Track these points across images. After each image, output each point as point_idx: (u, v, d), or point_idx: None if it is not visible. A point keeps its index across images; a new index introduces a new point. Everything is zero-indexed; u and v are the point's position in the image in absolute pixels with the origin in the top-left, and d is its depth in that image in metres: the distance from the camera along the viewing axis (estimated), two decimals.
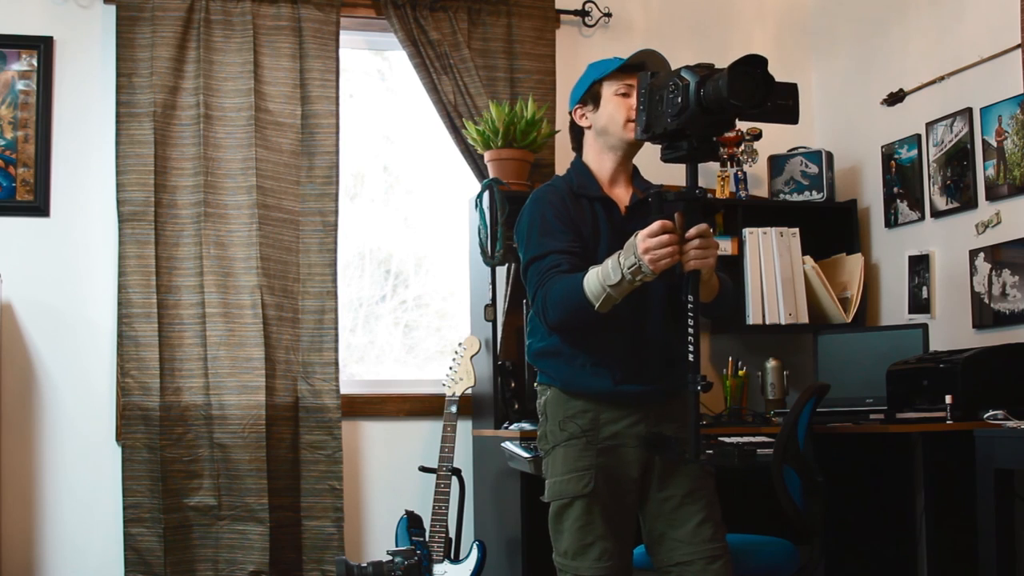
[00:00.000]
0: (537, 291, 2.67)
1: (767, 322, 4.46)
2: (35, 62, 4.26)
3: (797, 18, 5.08)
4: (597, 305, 2.54)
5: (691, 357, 2.43)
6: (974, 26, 4.07)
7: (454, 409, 4.14)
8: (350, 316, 4.69)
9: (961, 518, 3.57)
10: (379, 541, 4.38)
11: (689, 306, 2.44)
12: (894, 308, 4.49)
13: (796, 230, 4.51)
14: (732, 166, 4.63)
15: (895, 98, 4.45)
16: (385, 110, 4.79)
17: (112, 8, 4.28)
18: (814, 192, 4.64)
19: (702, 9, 4.95)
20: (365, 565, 3.70)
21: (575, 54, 4.68)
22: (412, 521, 4.03)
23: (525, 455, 3.50)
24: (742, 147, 4.66)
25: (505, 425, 4.06)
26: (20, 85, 4.26)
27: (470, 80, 4.46)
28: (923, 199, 4.32)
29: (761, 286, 4.46)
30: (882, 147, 4.54)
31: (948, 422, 3.63)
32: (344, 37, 4.49)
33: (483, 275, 4.34)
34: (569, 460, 2.70)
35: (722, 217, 4.60)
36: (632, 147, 2.79)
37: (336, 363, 4.31)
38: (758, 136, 4.66)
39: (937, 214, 4.24)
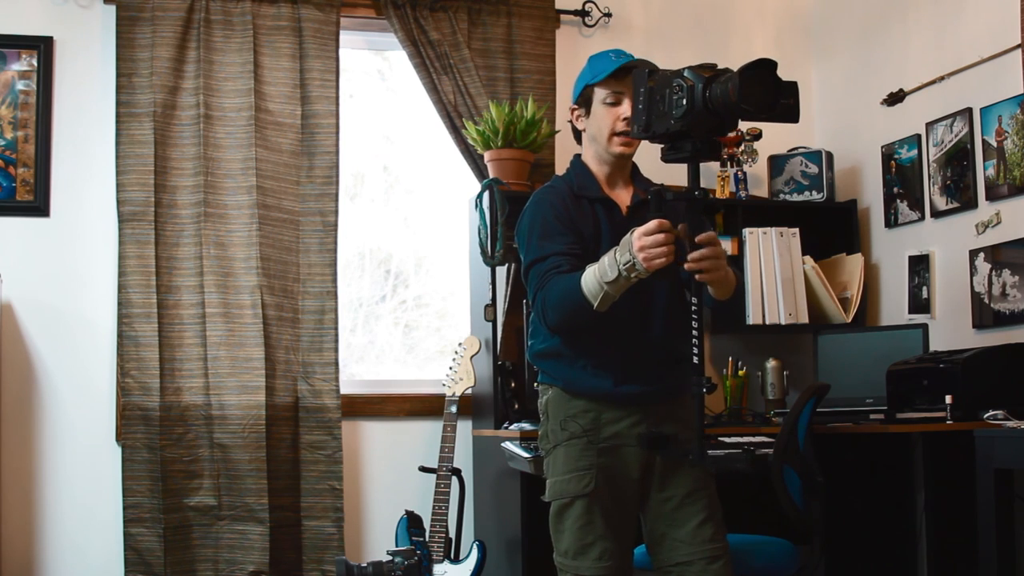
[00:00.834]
0: (537, 293, 2.67)
1: (767, 322, 4.46)
2: (35, 62, 4.27)
3: (797, 18, 5.08)
4: (596, 304, 2.53)
5: (695, 359, 2.42)
6: (974, 26, 4.07)
7: (454, 409, 4.14)
8: (350, 316, 4.69)
9: (961, 518, 3.57)
10: (379, 541, 4.38)
11: (693, 308, 2.43)
12: (894, 308, 4.49)
13: (796, 230, 4.51)
14: (732, 166, 4.64)
15: (895, 98, 4.45)
16: (385, 110, 4.79)
17: (112, 8, 4.28)
18: (814, 192, 4.64)
19: (702, 9, 4.95)
20: (365, 565, 3.70)
21: (575, 54, 4.68)
22: (412, 521, 4.03)
23: (525, 455, 3.50)
24: (742, 147, 4.66)
25: (505, 425, 4.06)
26: (20, 85, 4.26)
27: (470, 80, 4.46)
28: (923, 199, 4.32)
29: (761, 286, 4.46)
30: (882, 147, 4.54)
31: (948, 422, 3.63)
32: (344, 37, 4.49)
33: (483, 275, 4.34)
34: (570, 460, 2.71)
35: (722, 217, 4.60)
36: (622, 158, 2.78)
37: (336, 363, 4.31)
38: (758, 136, 4.66)
39: (937, 214, 4.24)
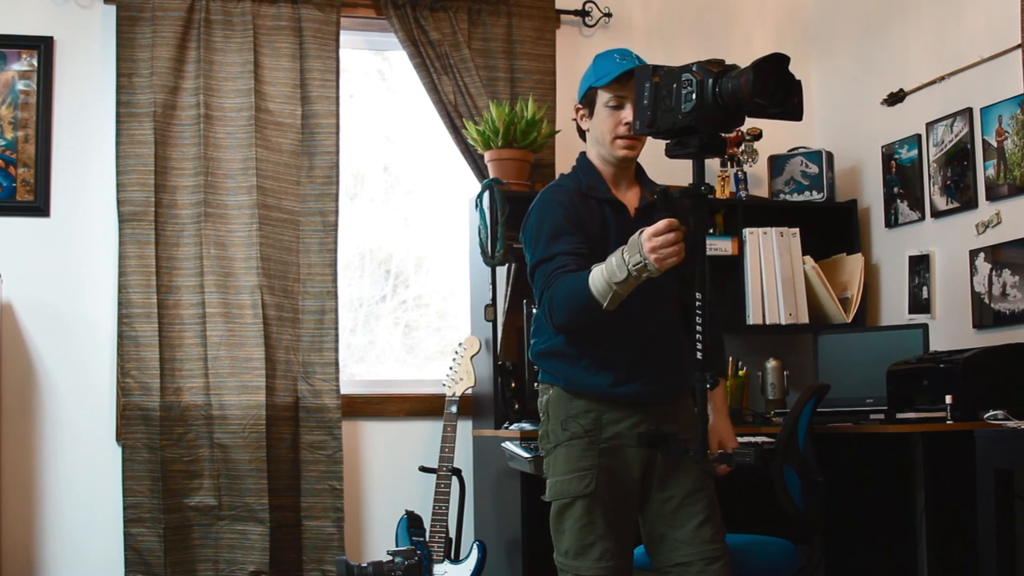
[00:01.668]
0: (544, 293, 2.67)
1: (767, 322, 4.46)
2: (35, 62, 4.26)
3: (797, 18, 5.08)
4: (605, 304, 2.52)
5: (699, 355, 2.41)
6: (974, 26, 4.07)
7: (454, 409, 4.14)
8: (350, 316, 4.69)
9: (961, 518, 3.58)
10: (379, 541, 4.38)
11: (697, 303, 2.42)
12: (894, 308, 4.49)
13: (796, 230, 4.51)
14: (732, 166, 4.64)
15: (895, 98, 4.45)
16: (385, 110, 4.79)
17: (112, 8, 4.28)
18: (814, 192, 4.64)
19: (702, 9, 4.95)
20: (365, 565, 3.70)
21: (575, 54, 4.68)
22: (412, 521, 4.03)
23: (525, 455, 3.50)
24: (742, 147, 4.66)
25: (505, 425, 4.06)
26: (20, 85, 4.26)
27: (470, 80, 4.46)
28: (923, 199, 4.32)
29: (761, 286, 4.46)
30: (882, 147, 4.54)
31: (948, 422, 3.63)
32: (344, 37, 4.49)
33: (483, 275, 4.34)
34: (571, 460, 2.71)
35: (722, 217, 4.60)
36: (625, 160, 2.78)
37: (336, 363, 4.31)
38: (758, 136, 4.66)
39: (937, 214, 4.24)
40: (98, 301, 4.27)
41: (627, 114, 2.71)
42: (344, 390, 4.36)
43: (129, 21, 4.25)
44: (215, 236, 4.24)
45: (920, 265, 4.31)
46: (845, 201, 4.69)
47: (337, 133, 4.40)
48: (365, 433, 4.49)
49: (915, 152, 4.36)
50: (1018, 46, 3.79)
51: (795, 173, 4.69)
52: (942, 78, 4.21)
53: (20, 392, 4.18)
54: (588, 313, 2.57)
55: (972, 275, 4.05)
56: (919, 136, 4.33)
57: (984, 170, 4.01)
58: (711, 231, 4.45)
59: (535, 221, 2.76)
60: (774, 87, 2.32)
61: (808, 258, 4.52)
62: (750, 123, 4.67)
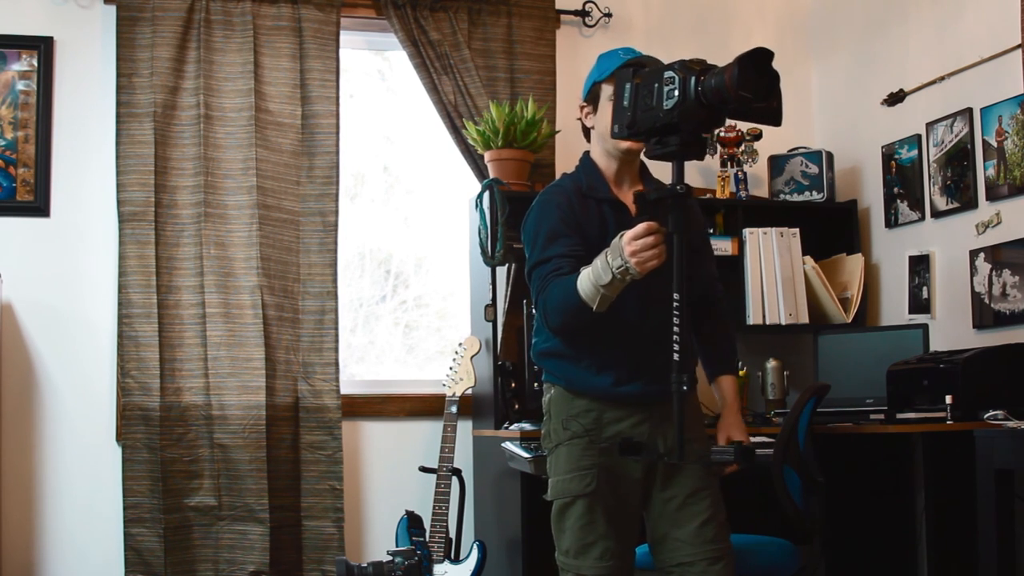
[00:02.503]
0: (539, 296, 2.68)
1: (767, 322, 4.46)
2: (35, 62, 4.26)
3: (797, 18, 5.08)
4: (594, 306, 2.54)
5: (675, 356, 2.40)
6: (974, 26, 4.07)
7: (454, 409, 4.14)
8: (350, 316, 4.69)
9: (961, 518, 3.57)
10: (379, 541, 4.38)
11: (675, 304, 2.41)
12: (894, 308, 4.49)
13: (796, 230, 4.51)
14: (732, 166, 4.63)
15: (895, 98, 4.45)
16: (385, 110, 4.79)
17: (112, 8, 4.28)
18: (814, 192, 4.64)
19: (702, 9, 4.95)
20: (365, 565, 3.70)
21: (575, 54, 4.68)
22: (412, 521, 4.03)
23: (525, 455, 3.50)
24: (742, 147, 4.66)
25: (505, 425, 4.05)
26: (20, 85, 4.26)
27: (470, 80, 4.46)
28: (923, 199, 4.32)
29: (761, 286, 4.46)
30: (882, 147, 4.54)
31: (948, 422, 3.63)
32: (344, 37, 4.49)
33: (483, 275, 4.34)
34: (572, 459, 2.71)
35: (722, 217, 4.60)
36: (630, 154, 2.78)
37: (336, 363, 4.31)
38: (758, 136, 4.66)
39: (937, 214, 4.24)
40: (98, 301, 4.27)
41: None
42: (344, 390, 4.36)
43: (129, 21, 4.25)
44: (215, 236, 4.24)
45: (920, 265, 4.31)
46: (845, 201, 4.69)
47: (337, 133, 4.40)
48: (365, 433, 4.49)
49: (915, 152, 4.36)
50: (1018, 46, 3.79)
51: (795, 173, 4.69)
52: (942, 78, 4.21)
53: (20, 392, 4.18)
54: (580, 315, 2.58)
55: (972, 275, 4.05)
56: (919, 136, 4.33)
57: (984, 170, 4.01)
58: (712, 231, 4.45)
59: (533, 223, 2.77)
60: (758, 81, 2.29)
61: (808, 258, 4.52)
62: (750, 123, 4.67)
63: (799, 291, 4.48)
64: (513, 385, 4.11)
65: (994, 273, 3.95)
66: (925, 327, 4.15)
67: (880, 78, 4.56)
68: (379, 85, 4.85)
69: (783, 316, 4.45)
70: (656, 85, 2.38)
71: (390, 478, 4.46)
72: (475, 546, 3.99)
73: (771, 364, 4.56)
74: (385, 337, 4.78)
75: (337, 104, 4.41)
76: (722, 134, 4.63)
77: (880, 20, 4.60)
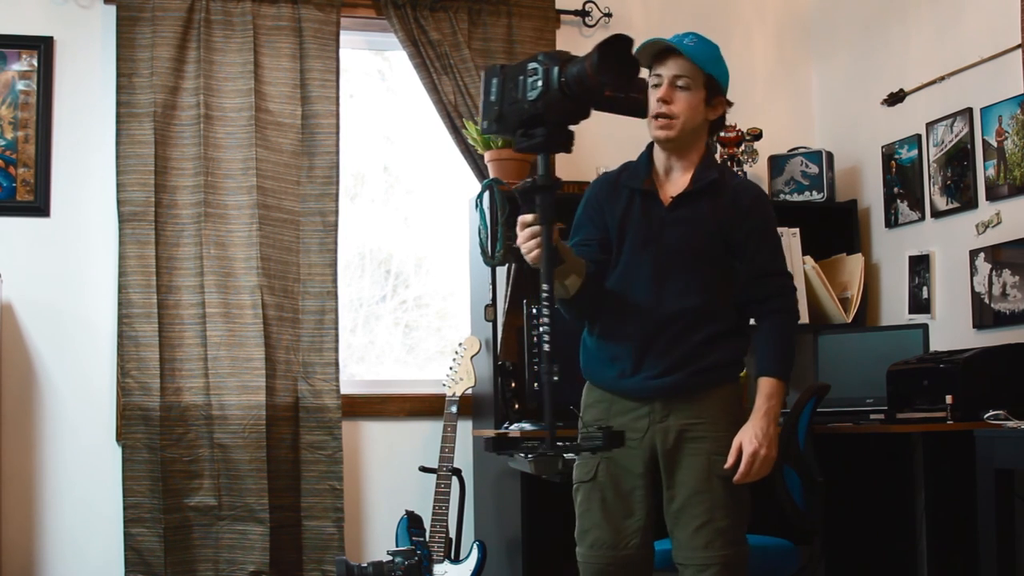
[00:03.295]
0: None
1: None
2: (35, 62, 4.26)
3: (797, 18, 5.08)
4: (560, 295, 2.67)
5: (546, 347, 2.41)
6: (974, 26, 4.07)
7: (454, 409, 4.14)
8: (350, 316, 4.69)
9: (961, 518, 3.57)
10: (379, 541, 4.38)
11: (543, 295, 2.42)
12: (894, 308, 4.49)
13: (796, 230, 4.51)
14: (732, 166, 4.63)
15: (895, 98, 4.45)
16: (385, 110, 4.79)
17: (112, 8, 4.28)
18: (814, 192, 4.64)
19: (702, 9, 4.95)
20: (365, 565, 3.70)
21: (575, 54, 4.67)
22: (412, 521, 4.03)
23: (526, 455, 3.49)
24: (742, 147, 4.66)
25: (505, 425, 4.05)
26: (20, 85, 4.26)
27: (470, 80, 4.46)
28: (923, 199, 4.32)
29: None
30: (882, 147, 4.54)
31: (948, 422, 3.62)
32: (344, 37, 4.49)
33: (483, 275, 4.34)
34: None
35: None
36: (660, 142, 2.76)
37: (336, 363, 4.31)
38: (758, 136, 4.66)
39: (937, 214, 4.24)
40: (98, 301, 4.27)
41: (662, 92, 2.71)
42: (344, 390, 4.36)
43: (129, 21, 4.25)
44: (215, 236, 4.24)
45: (920, 265, 4.31)
46: (845, 201, 4.69)
47: (337, 133, 4.40)
48: (365, 433, 4.49)
49: (915, 152, 4.36)
50: (1018, 46, 3.79)
51: (795, 173, 4.69)
52: (942, 78, 4.21)
53: (20, 392, 4.18)
54: (563, 304, 2.74)
55: (972, 275, 4.04)
56: (919, 136, 4.33)
57: (984, 170, 4.01)
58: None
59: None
60: (619, 69, 2.32)
61: (808, 258, 4.52)
62: (750, 123, 4.68)
63: (799, 291, 4.48)
64: (513, 385, 4.11)
65: (994, 273, 3.95)
66: (925, 327, 4.15)
67: (880, 78, 4.56)
68: (379, 85, 4.85)
69: None
70: (521, 77, 2.39)
71: (390, 478, 4.46)
72: (475, 546, 3.99)
73: None
74: (385, 337, 4.78)
75: (337, 104, 4.40)
76: (722, 134, 4.63)
77: (880, 20, 4.60)
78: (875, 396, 4.07)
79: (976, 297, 4.03)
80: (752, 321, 2.86)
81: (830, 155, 4.67)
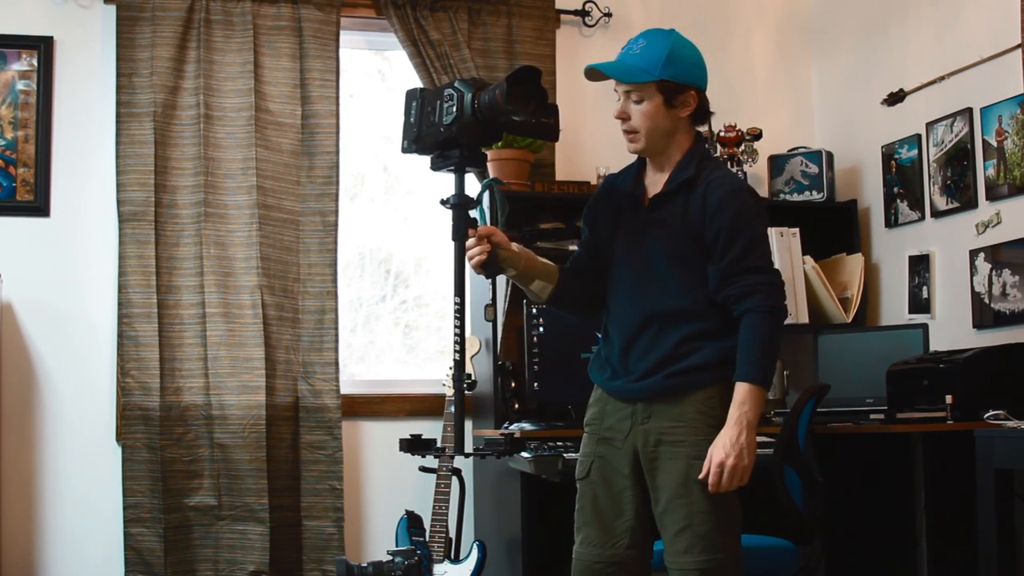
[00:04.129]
0: None
1: None
2: (35, 62, 4.26)
3: (797, 18, 5.07)
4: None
5: (456, 356, 2.59)
6: (974, 26, 4.07)
7: (454, 409, 4.13)
8: (350, 316, 4.69)
9: (961, 518, 3.57)
10: (379, 541, 4.38)
11: (455, 307, 2.60)
12: (894, 308, 4.49)
13: (796, 230, 4.51)
14: (732, 166, 4.63)
15: (895, 98, 4.45)
16: (385, 110, 4.79)
17: (112, 8, 4.28)
18: (814, 192, 4.64)
19: (702, 9, 4.95)
20: (365, 565, 3.70)
21: (575, 54, 4.67)
22: (412, 521, 4.03)
23: (525, 455, 3.50)
24: (742, 147, 4.66)
25: (505, 425, 4.05)
26: (20, 85, 4.26)
27: None
28: (923, 199, 4.31)
29: None
30: (882, 147, 4.54)
31: (948, 422, 3.62)
32: (344, 37, 4.49)
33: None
34: (581, 446, 2.84)
35: None
36: (639, 152, 2.76)
37: (336, 363, 4.31)
38: (758, 136, 4.66)
39: (937, 214, 4.24)
40: (98, 301, 4.27)
41: (618, 111, 2.73)
42: (344, 390, 4.36)
43: (129, 21, 4.25)
44: (215, 236, 4.24)
45: (920, 265, 4.31)
46: (845, 201, 4.69)
47: (337, 133, 4.40)
48: (365, 433, 4.49)
49: (915, 152, 4.35)
50: (1018, 46, 3.79)
51: (795, 173, 4.69)
52: (942, 78, 4.20)
53: (20, 392, 4.18)
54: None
55: (972, 275, 4.04)
56: (919, 136, 4.33)
57: (984, 170, 4.01)
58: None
59: None
60: (527, 97, 2.51)
61: (808, 258, 4.52)
62: (750, 123, 4.68)
63: (799, 291, 4.48)
64: (513, 385, 4.11)
65: (994, 273, 3.95)
66: (925, 327, 4.15)
67: (880, 78, 4.55)
68: (379, 85, 4.85)
69: None
70: (438, 102, 2.57)
71: (390, 478, 4.46)
72: (475, 546, 3.99)
73: None
74: (385, 337, 4.78)
75: (337, 104, 4.40)
76: (722, 134, 4.63)
77: (880, 20, 4.60)
78: (875, 396, 4.07)
79: (976, 297, 4.03)
80: None
81: (830, 155, 4.67)
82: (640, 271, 2.70)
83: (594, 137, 4.60)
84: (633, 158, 2.82)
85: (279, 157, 4.34)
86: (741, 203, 2.66)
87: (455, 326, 2.58)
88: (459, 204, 2.59)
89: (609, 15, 4.79)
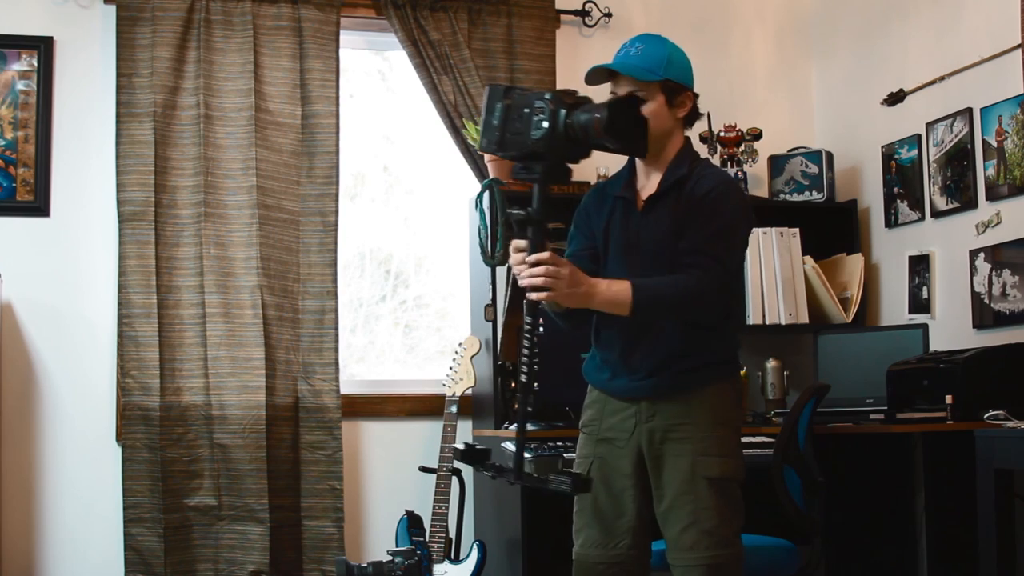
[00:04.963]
0: None
1: (767, 322, 4.46)
2: (35, 62, 4.26)
3: (797, 18, 5.08)
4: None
5: (523, 378, 2.44)
6: (974, 26, 4.07)
7: (454, 409, 4.14)
8: (350, 316, 4.69)
9: (961, 518, 3.57)
10: (379, 541, 4.38)
11: (526, 327, 2.47)
12: (894, 308, 4.49)
13: (796, 230, 4.51)
14: (732, 166, 4.63)
15: (895, 98, 4.45)
16: (385, 110, 4.79)
17: (112, 8, 4.28)
18: (814, 192, 4.64)
19: (702, 9, 4.95)
20: (365, 565, 3.70)
21: (575, 54, 4.68)
22: (412, 521, 4.03)
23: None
24: (742, 147, 4.66)
25: (505, 425, 4.06)
26: (20, 85, 4.26)
27: (470, 80, 4.46)
28: (923, 199, 4.32)
29: (761, 286, 4.46)
30: (882, 147, 4.54)
31: (948, 422, 3.63)
32: (344, 37, 4.49)
33: (483, 275, 4.34)
34: (579, 447, 2.84)
35: None
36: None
37: (336, 363, 4.31)
38: (758, 136, 4.66)
39: (937, 214, 4.24)
40: (98, 301, 4.27)
41: None
42: (344, 390, 4.36)
43: (129, 21, 4.25)
44: (215, 236, 4.24)
45: (920, 265, 4.31)
46: (845, 201, 4.69)
47: (337, 133, 4.40)
48: (365, 433, 4.49)
49: (915, 152, 4.36)
50: (1018, 46, 3.79)
51: (795, 173, 4.70)
52: (942, 78, 4.21)
53: (20, 392, 4.18)
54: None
55: (972, 275, 4.05)
56: (919, 136, 4.33)
57: (984, 170, 4.01)
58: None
59: None
60: (625, 128, 2.41)
61: (808, 258, 4.52)
62: (750, 123, 4.68)
63: (799, 291, 4.48)
64: (513, 385, 4.11)
65: (994, 273, 3.95)
66: (925, 327, 4.15)
67: (880, 78, 4.56)
68: (379, 85, 4.85)
69: (783, 316, 4.45)
70: (527, 111, 2.44)
71: (390, 478, 4.46)
72: (475, 546, 3.99)
73: (771, 364, 4.55)
74: (385, 337, 4.78)
75: (337, 104, 4.40)
76: (722, 134, 4.64)
77: (880, 20, 4.60)
78: (875, 396, 4.07)
79: (976, 297, 4.03)
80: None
81: (830, 155, 4.67)
82: (640, 272, 2.70)
83: None
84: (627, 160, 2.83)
85: (279, 157, 4.34)
86: (729, 200, 2.72)
87: (525, 347, 2.42)
88: (539, 221, 2.46)
89: (609, 15, 4.79)
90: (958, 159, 4.12)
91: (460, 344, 4.30)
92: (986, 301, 3.98)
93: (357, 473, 4.45)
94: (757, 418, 4.36)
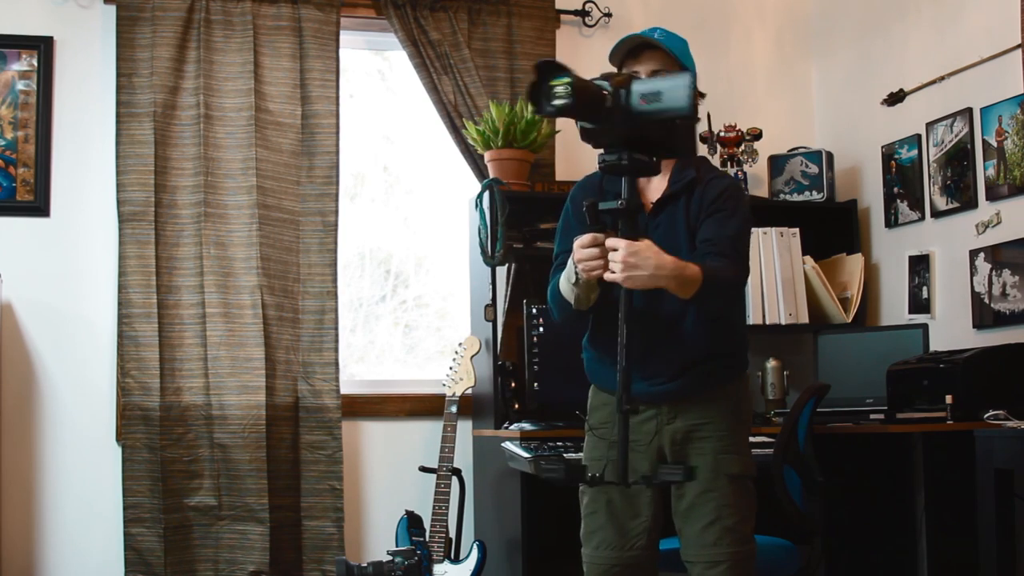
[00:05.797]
0: (547, 290, 2.77)
1: (767, 322, 4.46)
2: (35, 62, 4.26)
3: (797, 18, 5.08)
4: (573, 303, 2.62)
5: (619, 374, 2.40)
6: (974, 26, 4.07)
7: (454, 409, 4.14)
8: (350, 316, 4.69)
9: (961, 518, 3.58)
10: (379, 541, 4.38)
11: (621, 317, 2.43)
12: (894, 308, 4.49)
13: (796, 230, 4.51)
14: (732, 166, 4.63)
15: (895, 98, 4.45)
16: (385, 110, 4.79)
17: (112, 8, 4.28)
18: (814, 192, 4.64)
19: (702, 9, 4.95)
20: (365, 565, 3.70)
21: (575, 54, 4.67)
22: (412, 521, 4.03)
23: (525, 455, 3.50)
24: (742, 147, 4.66)
25: (505, 425, 4.05)
26: (20, 85, 4.26)
27: (470, 80, 4.46)
28: (923, 199, 4.32)
29: (761, 286, 4.46)
30: (882, 147, 4.54)
31: (948, 422, 3.63)
32: (344, 37, 4.49)
33: (483, 275, 4.34)
34: (587, 449, 2.81)
35: None
36: None
37: (336, 363, 4.31)
38: (758, 136, 4.66)
39: (937, 214, 4.24)
40: (98, 301, 4.27)
41: None
42: (344, 390, 4.36)
43: (129, 21, 4.25)
44: (215, 236, 4.24)
45: (920, 265, 4.31)
46: (845, 201, 4.69)
47: (337, 133, 4.40)
48: (365, 433, 4.49)
49: (915, 152, 4.36)
50: (1018, 46, 3.79)
51: (795, 173, 4.70)
52: (942, 78, 4.21)
53: (20, 392, 4.18)
54: (567, 310, 2.69)
55: (972, 275, 4.05)
56: (919, 136, 4.33)
57: (984, 170, 4.01)
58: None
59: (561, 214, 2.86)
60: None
61: (808, 258, 4.52)
62: (750, 123, 4.68)
63: (799, 291, 4.48)
64: (513, 385, 4.12)
65: (994, 273, 3.95)
66: (925, 327, 4.15)
67: (880, 78, 4.56)
68: (379, 85, 4.85)
69: (783, 316, 4.45)
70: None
71: (390, 478, 4.46)
72: (475, 546, 3.99)
73: (771, 364, 4.55)
74: (385, 337, 4.78)
75: (337, 104, 4.40)
76: (722, 134, 4.64)
77: (880, 20, 4.60)
78: (875, 396, 4.07)
79: (976, 297, 4.03)
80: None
81: (830, 155, 4.67)
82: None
83: None
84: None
85: (279, 157, 4.34)
86: (738, 203, 2.76)
87: (621, 344, 2.38)
88: (626, 210, 2.40)
89: (609, 15, 4.79)
90: (958, 159, 4.12)
91: (460, 344, 4.29)
92: (986, 301, 3.98)
93: (357, 473, 4.45)
94: (757, 418, 4.35)
